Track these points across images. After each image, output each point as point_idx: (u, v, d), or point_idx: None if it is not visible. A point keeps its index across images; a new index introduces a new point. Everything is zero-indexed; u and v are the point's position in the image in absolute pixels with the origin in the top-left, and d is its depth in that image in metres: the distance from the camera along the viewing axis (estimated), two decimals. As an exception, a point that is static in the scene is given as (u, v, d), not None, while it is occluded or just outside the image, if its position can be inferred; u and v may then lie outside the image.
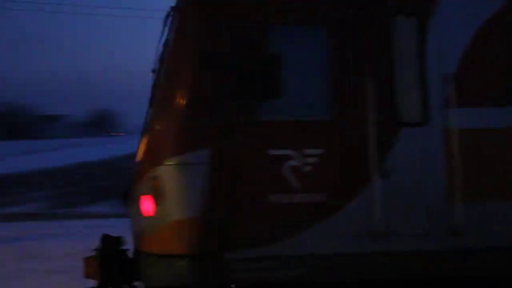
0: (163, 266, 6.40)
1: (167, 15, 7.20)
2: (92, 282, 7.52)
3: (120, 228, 10.10)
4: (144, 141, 6.91)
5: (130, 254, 7.28)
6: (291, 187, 6.45)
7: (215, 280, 6.33)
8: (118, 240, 7.41)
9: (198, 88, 6.44)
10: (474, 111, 6.88)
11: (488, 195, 6.81)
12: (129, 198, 7.23)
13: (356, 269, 6.58)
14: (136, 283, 7.26)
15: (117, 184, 27.52)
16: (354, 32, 6.75)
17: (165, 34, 7.33)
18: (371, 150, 6.63)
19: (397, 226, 6.66)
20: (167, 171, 6.35)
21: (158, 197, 6.40)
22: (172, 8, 6.90)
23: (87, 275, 7.37)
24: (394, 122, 6.73)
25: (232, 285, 6.57)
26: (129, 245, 7.38)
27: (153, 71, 8.00)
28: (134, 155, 7.53)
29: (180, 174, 6.30)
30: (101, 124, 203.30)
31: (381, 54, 6.78)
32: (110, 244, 7.28)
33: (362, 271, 6.59)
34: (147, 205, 6.56)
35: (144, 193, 6.58)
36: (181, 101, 6.42)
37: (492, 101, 6.92)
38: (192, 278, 6.29)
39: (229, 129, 6.39)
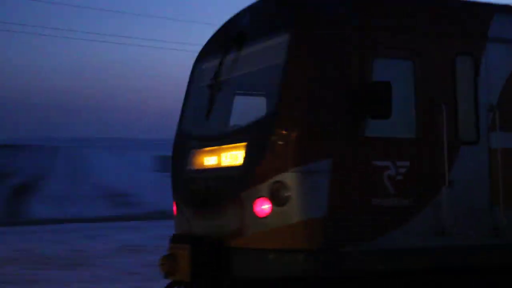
0: (281, 259, 7.49)
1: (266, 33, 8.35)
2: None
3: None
4: (247, 151, 8.03)
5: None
6: (388, 193, 7.87)
7: (332, 270, 7.54)
8: (203, 239, 8.37)
9: (320, 107, 7.73)
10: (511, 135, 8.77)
11: None
12: (210, 201, 8.43)
13: (429, 260, 8.13)
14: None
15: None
16: (431, 67, 8.33)
17: (255, 51, 8.56)
18: (442, 164, 8.21)
19: (457, 225, 8.29)
20: (292, 178, 7.50)
21: (278, 200, 7.54)
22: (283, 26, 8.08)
23: (169, 274, 8.41)
24: (457, 141, 8.37)
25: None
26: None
27: (210, 86, 9.16)
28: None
29: (305, 181, 7.48)
30: None
31: (449, 86, 8.41)
32: (199, 242, 8.28)
33: (435, 261, 8.14)
34: (264, 207, 7.69)
35: (261, 196, 7.69)
36: (307, 116, 7.68)
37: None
38: (313, 269, 7.47)
39: (345, 143, 7.74)
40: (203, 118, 9.27)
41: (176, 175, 9.63)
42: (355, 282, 7.87)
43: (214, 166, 8.73)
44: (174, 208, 9.69)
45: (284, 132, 7.60)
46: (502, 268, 8.68)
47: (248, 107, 9.44)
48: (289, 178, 7.49)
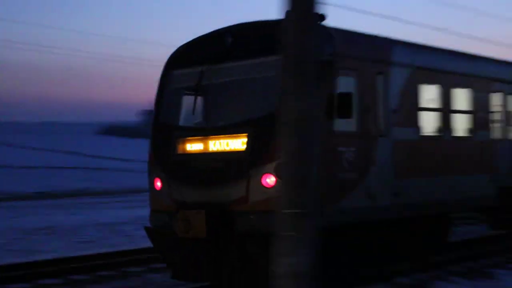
0: (280, 218, 9.91)
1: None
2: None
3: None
4: (250, 140, 11.41)
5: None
6: (345, 169, 12.04)
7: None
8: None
9: (343, 115, 11.53)
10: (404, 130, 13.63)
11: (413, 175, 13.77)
12: (213, 178, 11.67)
13: (364, 214, 12.52)
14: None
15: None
16: (364, 83, 12.61)
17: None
18: (371, 150, 12.70)
19: (378, 191, 12.87)
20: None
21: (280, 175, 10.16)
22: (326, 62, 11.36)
23: (184, 232, 11.34)
24: (378, 134, 12.87)
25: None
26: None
27: (199, 88, 12.66)
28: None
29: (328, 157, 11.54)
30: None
31: (373, 96, 12.87)
32: (211, 208, 11.41)
33: (367, 215, 12.61)
34: (269, 180, 10.99)
35: (267, 173, 10.97)
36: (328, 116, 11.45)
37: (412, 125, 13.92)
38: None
39: (324, 136, 11.34)
40: (192, 114, 12.51)
41: (163, 159, 12.50)
42: (331, 232, 11.04)
43: (213, 151, 11.82)
44: (156, 184, 12.50)
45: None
46: (398, 219, 13.52)
47: (235, 106, 12.54)
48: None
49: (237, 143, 11.50)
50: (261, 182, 11.03)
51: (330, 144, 11.46)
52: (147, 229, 12.96)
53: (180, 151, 12.28)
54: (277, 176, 10.50)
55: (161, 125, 12.91)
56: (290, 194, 7.69)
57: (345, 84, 11.78)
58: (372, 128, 12.53)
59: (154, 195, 12.70)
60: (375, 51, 13.15)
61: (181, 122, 12.94)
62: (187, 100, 12.70)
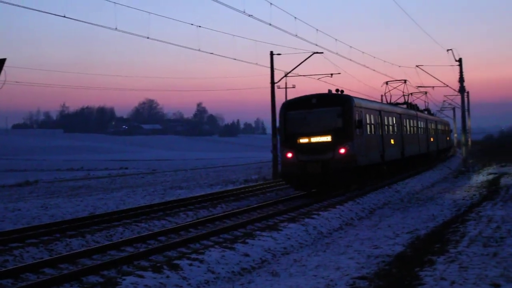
0: (346, 162, 29.87)
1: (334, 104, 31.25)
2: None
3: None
4: (332, 137, 30.25)
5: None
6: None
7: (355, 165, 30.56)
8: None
9: (356, 128, 30.80)
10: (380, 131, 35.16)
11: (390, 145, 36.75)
12: (317, 150, 30.27)
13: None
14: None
15: None
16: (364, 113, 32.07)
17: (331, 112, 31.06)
18: (370, 140, 33.75)
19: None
20: (350, 143, 30.32)
21: (347, 148, 29.99)
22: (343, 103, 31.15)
23: (309, 171, 30.24)
24: (370, 134, 33.28)
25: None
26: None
27: (304, 116, 31.50)
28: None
29: (352, 144, 30.27)
30: None
31: (366, 119, 32.80)
32: (322, 160, 30.25)
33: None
34: (342, 151, 29.90)
35: (342, 147, 29.84)
36: (353, 128, 30.60)
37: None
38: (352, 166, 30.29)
39: (355, 130, 30.54)
40: (300, 127, 30.84)
41: (291, 145, 30.55)
42: (358, 169, 30.77)
43: (317, 142, 30.28)
44: (289, 155, 30.49)
45: (344, 134, 30.26)
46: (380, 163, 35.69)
47: (322, 124, 30.54)
48: (350, 143, 30.07)
49: (327, 138, 30.19)
50: (339, 152, 29.76)
51: (357, 138, 30.51)
52: (281, 174, 32.71)
53: (299, 141, 30.52)
54: (346, 150, 29.77)
55: (287, 132, 31.01)
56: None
57: (357, 115, 30.92)
58: (369, 131, 32.87)
59: (285, 160, 30.81)
60: (365, 104, 33.37)
61: (296, 131, 30.73)
62: (297, 122, 31.03)
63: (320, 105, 30.39)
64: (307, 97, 31.21)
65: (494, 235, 16.41)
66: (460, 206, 25.63)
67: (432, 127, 58.62)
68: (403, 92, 57.73)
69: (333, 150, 29.41)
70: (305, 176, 29.82)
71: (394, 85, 57.17)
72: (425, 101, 71.33)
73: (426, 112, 61.52)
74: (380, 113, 35.79)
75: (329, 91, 32.01)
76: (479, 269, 12.39)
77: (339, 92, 32.38)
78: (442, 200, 28.83)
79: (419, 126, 49.59)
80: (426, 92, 68.99)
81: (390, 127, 38.39)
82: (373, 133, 33.66)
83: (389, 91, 55.97)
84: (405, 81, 57.45)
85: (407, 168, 44.55)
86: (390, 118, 38.45)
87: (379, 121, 35.37)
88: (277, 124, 34.17)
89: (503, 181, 36.78)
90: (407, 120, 44.32)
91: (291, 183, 32.03)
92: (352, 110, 30.21)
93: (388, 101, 53.92)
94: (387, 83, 56.62)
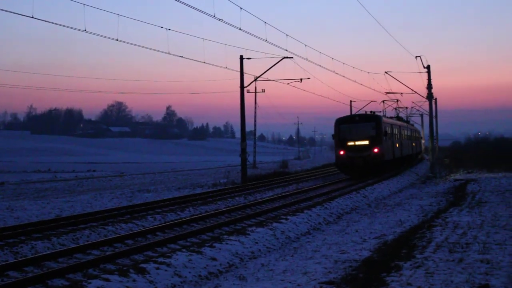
0: (378, 158, 46.93)
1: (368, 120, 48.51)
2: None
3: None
4: (370, 141, 46.93)
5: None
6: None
7: (385, 159, 48.99)
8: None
9: (384, 134, 48.21)
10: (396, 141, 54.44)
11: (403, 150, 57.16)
12: (361, 150, 46.82)
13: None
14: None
15: None
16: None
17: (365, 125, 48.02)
18: (392, 144, 53.58)
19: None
20: (381, 145, 47.23)
21: (379, 149, 46.82)
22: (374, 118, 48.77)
23: (354, 164, 47.39)
24: (390, 140, 51.11)
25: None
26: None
27: (351, 127, 48.37)
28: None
29: (381, 146, 47.32)
30: None
31: (388, 131, 51.77)
32: (363, 156, 47.19)
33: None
34: (376, 150, 46.53)
35: (375, 148, 46.58)
36: (382, 138, 47.32)
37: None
38: (384, 160, 47.98)
39: (383, 137, 47.33)
40: (349, 135, 47.15)
41: (343, 146, 46.84)
42: (384, 162, 48.22)
43: (359, 145, 46.64)
44: (341, 152, 46.83)
45: (377, 141, 47.03)
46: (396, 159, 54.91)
47: (363, 133, 46.99)
48: (380, 145, 46.77)
49: (366, 142, 46.52)
50: (373, 151, 46.22)
51: (385, 141, 47.78)
52: (336, 165, 49.36)
53: (348, 144, 46.75)
54: (378, 149, 46.34)
55: (340, 138, 47.06)
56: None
57: (383, 127, 47.59)
58: (389, 138, 49.53)
59: (339, 156, 47.13)
60: (386, 120, 51.68)
61: (346, 137, 46.82)
62: (346, 132, 47.05)
63: (361, 121, 47.38)
64: (353, 115, 50.97)
65: (460, 241, 16.52)
66: (427, 212, 25.80)
67: (412, 134, 73.75)
68: (395, 108, 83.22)
69: (370, 150, 46.22)
70: (352, 166, 47.08)
71: (389, 102, 76.95)
72: (396, 108, 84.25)
73: (409, 123, 78.18)
74: (392, 126, 52.26)
75: (365, 112, 56.25)
76: (444, 275, 12.46)
77: (373, 113, 52.29)
78: (410, 205, 28.98)
79: (407, 134, 65.59)
80: (397, 100, 78.56)
81: (397, 135, 54.65)
82: (390, 139, 50.38)
83: (385, 108, 76.92)
84: (397, 100, 77.89)
85: (404, 163, 62.01)
86: (395, 129, 54.20)
87: (392, 131, 51.71)
88: (333, 133, 49.10)
89: (470, 187, 37.13)
90: (403, 130, 60.38)
91: (342, 171, 49.55)
92: (381, 124, 47.00)
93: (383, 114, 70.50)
94: (383, 101, 77.20)
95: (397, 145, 54.21)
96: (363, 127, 46.58)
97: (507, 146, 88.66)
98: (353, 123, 46.92)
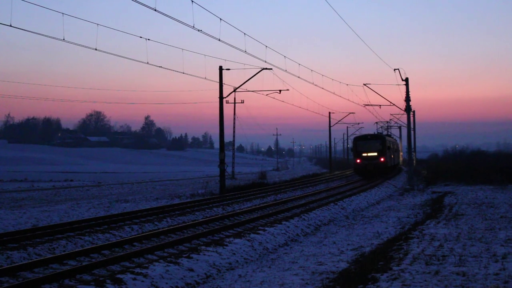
0: (384, 163, 67.46)
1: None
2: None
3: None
4: (377, 153, 67.06)
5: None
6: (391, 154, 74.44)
7: (391, 165, 76.16)
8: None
9: (387, 148, 67.83)
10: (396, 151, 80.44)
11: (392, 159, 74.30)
12: (371, 159, 66.69)
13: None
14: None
15: None
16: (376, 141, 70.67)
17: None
18: (393, 154, 78.36)
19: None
20: (386, 156, 67.74)
21: (385, 158, 66.93)
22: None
23: (367, 169, 66.85)
24: (392, 152, 74.02)
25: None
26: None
27: (365, 143, 68.71)
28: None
29: (386, 155, 67.67)
30: None
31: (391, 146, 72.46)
32: (374, 162, 66.77)
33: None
34: (382, 159, 66.34)
35: (381, 158, 66.46)
36: (386, 152, 67.33)
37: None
38: (389, 166, 71.76)
39: (386, 151, 66.98)
40: (363, 148, 66.76)
41: (359, 156, 66.25)
42: (387, 168, 69.56)
43: (370, 155, 65.94)
44: (358, 161, 66.38)
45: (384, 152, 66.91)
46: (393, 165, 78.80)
47: (373, 147, 66.52)
48: (385, 156, 66.79)
49: (375, 154, 65.91)
50: (380, 160, 65.78)
51: (387, 153, 67.08)
52: (354, 170, 71.81)
53: (363, 155, 66.14)
54: (383, 159, 66.02)
55: (357, 151, 66.50)
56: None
57: (387, 143, 67.39)
58: (389, 151, 68.66)
59: (356, 163, 66.96)
60: (388, 139, 71.64)
61: (361, 150, 66.27)
62: (362, 146, 66.58)
63: (372, 139, 66.90)
64: (366, 135, 69.57)
65: (436, 253, 16.62)
66: (405, 224, 25.93)
67: (393, 147, 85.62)
68: (386, 128, 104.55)
69: (378, 159, 65.37)
70: (366, 171, 65.85)
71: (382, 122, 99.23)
72: (376, 123, 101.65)
73: (391, 136, 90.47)
74: (390, 142, 70.71)
75: (374, 132, 78.21)
76: (421, 287, 12.53)
77: (380, 133, 75.58)
78: (387, 217, 29.12)
79: (394, 147, 79.14)
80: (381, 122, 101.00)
81: (391, 149, 72.14)
82: (389, 151, 68.56)
83: (380, 127, 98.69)
84: (389, 120, 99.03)
85: (394, 169, 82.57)
86: (390, 144, 71.39)
87: (389, 146, 69.40)
88: (350, 147, 75.70)
89: (447, 200, 37.32)
90: (392, 145, 75.95)
91: (359, 175, 68.98)
92: (386, 142, 66.31)
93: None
94: (376, 123, 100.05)
95: (392, 156, 73.81)
96: (373, 143, 66.46)
97: (484, 159, 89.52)
98: (366, 140, 67.09)
